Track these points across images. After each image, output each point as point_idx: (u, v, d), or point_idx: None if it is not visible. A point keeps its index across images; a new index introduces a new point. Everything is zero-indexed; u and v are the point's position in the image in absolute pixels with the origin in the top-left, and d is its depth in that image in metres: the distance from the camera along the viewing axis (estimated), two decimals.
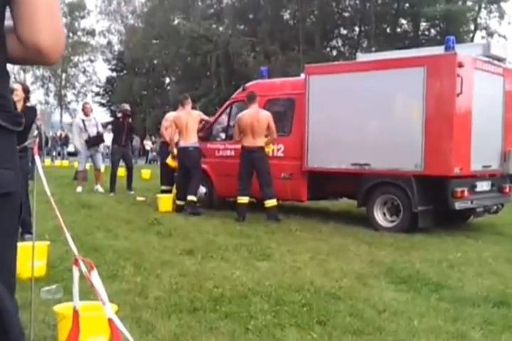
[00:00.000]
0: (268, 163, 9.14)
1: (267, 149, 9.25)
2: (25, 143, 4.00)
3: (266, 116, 9.12)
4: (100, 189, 13.43)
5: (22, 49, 1.39)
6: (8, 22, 1.40)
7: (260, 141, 9.09)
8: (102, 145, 14.05)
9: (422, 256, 6.54)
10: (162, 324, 3.88)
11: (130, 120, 13.97)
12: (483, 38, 32.67)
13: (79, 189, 13.14)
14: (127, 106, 14.03)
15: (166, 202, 10.11)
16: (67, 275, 4.59)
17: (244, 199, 9.17)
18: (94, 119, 13.24)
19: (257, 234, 7.81)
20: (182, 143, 9.85)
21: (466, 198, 8.13)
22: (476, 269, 5.88)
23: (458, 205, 8.06)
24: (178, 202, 9.94)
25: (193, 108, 11.14)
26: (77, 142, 13.43)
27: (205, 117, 10.65)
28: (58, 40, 1.41)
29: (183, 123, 9.82)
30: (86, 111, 13.31)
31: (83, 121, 13.07)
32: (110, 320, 2.32)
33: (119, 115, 14.10)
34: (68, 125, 17.92)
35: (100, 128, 13.19)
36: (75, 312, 2.80)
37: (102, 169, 14.08)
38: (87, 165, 14.49)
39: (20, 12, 1.37)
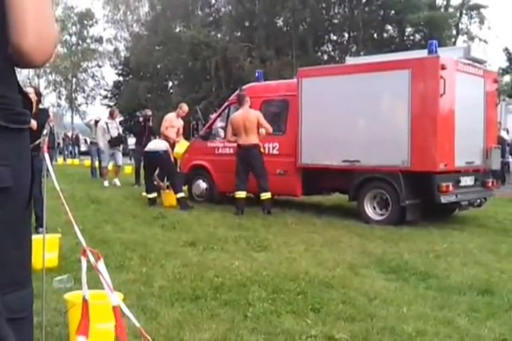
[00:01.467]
0: (262, 159, 9.11)
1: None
2: (37, 142, 3.96)
3: (255, 115, 9.13)
4: (118, 183, 14.05)
5: (10, 50, 1.33)
6: None
7: (253, 139, 9.06)
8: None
9: (410, 247, 6.50)
10: (166, 311, 3.85)
11: (150, 124, 14.35)
12: (464, 42, 32.67)
13: (105, 183, 13.74)
14: (149, 112, 14.84)
15: (170, 197, 10.06)
16: (77, 265, 4.53)
17: (241, 194, 9.14)
18: (116, 123, 14.06)
19: (255, 226, 7.77)
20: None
21: (451, 192, 8.09)
22: (461, 259, 5.84)
23: (443, 199, 8.02)
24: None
25: (195, 110, 11.16)
26: (100, 142, 14.06)
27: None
28: (44, 44, 1.34)
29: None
30: (114, 115, 14.28)
31: (107, 123, 13.89)
32: (115, 308, 2.27)
33: (141, 119, 14.75)
34: (86, 125, 18.11)
35: (121, 131, 13.92)
36: (85, 301, 2.75)
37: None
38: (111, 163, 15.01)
39: (8, 14, 1.30)
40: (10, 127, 1.35)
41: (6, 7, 1.30)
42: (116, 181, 14.07)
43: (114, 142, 13.88)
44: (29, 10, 1.30)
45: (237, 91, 10.60)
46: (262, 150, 9.19)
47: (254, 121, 9.04)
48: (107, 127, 13.78)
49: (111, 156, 14.16)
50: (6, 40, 1.32)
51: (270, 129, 9.12)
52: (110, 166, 14.81)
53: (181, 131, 11.39)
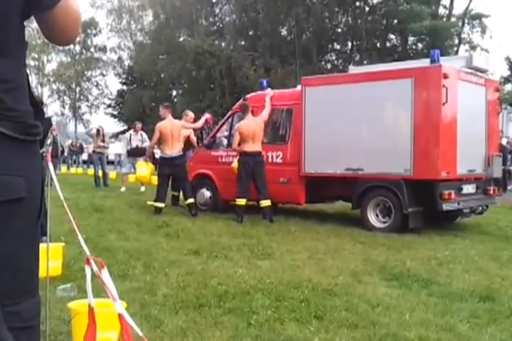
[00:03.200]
0: (265, 167, 9.21)
1: None
2: (40, 151, 4.00)
3: (262, 120, 9.44)
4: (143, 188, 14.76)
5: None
6: None
7: (259, 146, 9.20)
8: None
9: (412, 254, 6.52)
10: (170, 319, 3.87)
11: None
12: (466, 51, 32.65)
13: (122, 189, 14.57)
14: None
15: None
16: (80, 274, 4.58)
17: (242, 201, 9.19)
18: (140, 135, 14.92)
19: (259, 234, 7.80)
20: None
21: (453, 200, 8.12)
22: (463, 266, 5.86)
23: (445, 207, 8.05)
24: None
25: (198, 117, 11.22)
26: (122, 151, 15.73)
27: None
28: (74, 35, 1.53)
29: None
30: (136, 129, 15.05)
31: (130, 135, 15.06)
32: (120, 316, 2.30)
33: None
34: (87, 134, 19.01)
35: (145, 144, 14.42)
36: (91, 309, 2.78)
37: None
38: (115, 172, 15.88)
39: (46, 29, 1.47)
40: (24, 139, 1.39)
41: (41, 24, 1.45)
42: (142, 188, 14.76)
43: (132, 153, 14.72)
44: (64, 22, 1.45)
45: (241, 100, 10.65)
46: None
47: (262, 127, 9.29)
48: (130, 138, 14.89)
49: (130, 164, 15.08)
50: (17, 56, 1.39)
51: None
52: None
53: (193, 138, 11.31)
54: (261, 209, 9.20)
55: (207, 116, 11.10)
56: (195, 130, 11.29)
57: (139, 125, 15.21)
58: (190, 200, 9.87)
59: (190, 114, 11.46)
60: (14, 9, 1.35)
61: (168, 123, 9.94)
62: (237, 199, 9.24)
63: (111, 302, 2.49)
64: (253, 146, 9.17)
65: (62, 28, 1.45)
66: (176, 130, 9.96)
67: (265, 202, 9.13)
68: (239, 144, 9.27)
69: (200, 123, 10.91)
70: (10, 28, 1.36)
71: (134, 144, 14.71)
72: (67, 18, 1.44)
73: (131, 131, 15.35)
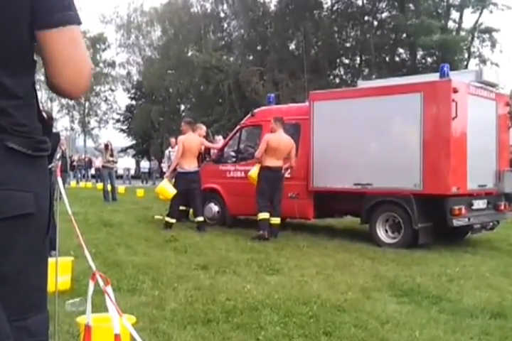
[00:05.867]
0: (284, 183, 9.18)
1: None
2: (49, 166, 4.05)
3: (292, 144, 9.20)
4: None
5: (50, 86, 1.45)
6: None
7: (280, 162, 9.13)
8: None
9: (422, 270, 6.50)
10: (178, 334, 3.88)
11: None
12: (476, 65, 32.73)
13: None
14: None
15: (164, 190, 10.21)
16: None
17: (265, 215, 9.06)
18: None
19: (267, 249, 7.80)
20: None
21: (463, 216, 8.09)
22: (473, 283, 5.83)
23: (456, 222, 8.02)
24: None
25: (207, 133, 11.28)
26: (165, 168, 15.73)
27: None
28: (79, 82, 1.45)
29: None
30: (172, 145, 15.05)
31: (169, 152, 15.13)
32: (116, 336, 2.27)
33: None
34: (96, 149, 19.15)
35: None
36: (87, 327, 2.78)
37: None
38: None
39: (45, 55, 1.40)
40: (33, 155, 1.42)
41: (42, 49, 1.40)
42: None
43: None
44: (62, 54, 1.40)
45: (249, 115, 10.71)
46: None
47: (290, 148, 9.15)
48: (169, 155, 14.98)
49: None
50: (26, 74, 1.42)
51: (294, 163, 9.27)
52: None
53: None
54: (270, 226, 9.12)
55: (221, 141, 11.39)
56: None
57: (172, 140, 15.04)
58: (200, 218, 9.90)
59: (204, 128, 11.51)
60: (23, 26, 1.37)
61: (189, 139, 10.05)
62: (259, 214, 9.07)
63: (113, 320, 2.47)
64: (276, 162, 9.08)
65: (63, 62, 1.40)
66: (195, 145, 10.09)
67: (276, 220, 9.09)
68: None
69: (219, 145, 11.09)
70: (19, 46, 1.39)
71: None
72: (69, 50, 1.40)
73: (170, 148, 15.26)
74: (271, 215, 9.12)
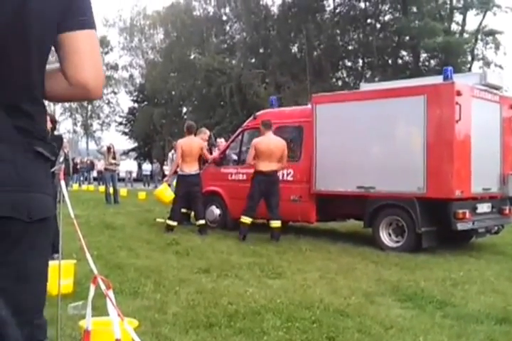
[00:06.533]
0: (279, 187, 9.13)
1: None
2: (52, 169, 4.04)
3: (283, 145, 9.15)
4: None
5: (70, 88, 1.48)
6: (54, 64, 1.49)
7: (274, 165, 9.10)
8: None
9: (426, 274, 6.46)
10: (180, 339, 3.87)
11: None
12: (480, 67, 32.67)
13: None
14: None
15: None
16: None
17: (247, 220, 9.14)
18: None
19: (269, 253, 7.78)
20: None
21: (467, 219, 8.06)
22: (478, 287, 5.80)
23: (460, 226, 7.99)
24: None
25: (209, 136, 11.27)
26: (167, 170, 16.50)
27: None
28: (100, 76, 1.52)
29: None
30: (175, 148, 14.87)
31: (173, 154, 14.90)
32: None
33: None
34: (98, 152, 19.28)
35: None
36: (86, 332, 2.77)
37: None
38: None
39: (66, 54, 1.46)
40: (51, 159, 1.47)
41: (65, 50, 1.46)
42: None
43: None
44: (84, 48, 1.47)
45: (251, 118, 10.70)
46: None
47: (281, 150, 9.10)
48: (173, 158, 14.86)
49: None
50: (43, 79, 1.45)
51: (286, 164, 9.25)
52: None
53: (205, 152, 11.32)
54: (270, 229, 9.14)
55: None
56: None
57: (175, 143, 15.05)
58: (202, 222, 9.89)
59: (207, 133, 11.45)
60: (54, 28, 1.42)
61: (188, 142, 10.04)
62: (242, 216, 9.18)
63: (120, 321, 2.47)
64: (269, 165, 9.05)
65: (88, 59, 1.47)
66: (195, 148, 10.06)
67: (276, 223, 9.06)
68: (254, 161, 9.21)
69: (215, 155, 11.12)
70: (49, 49, 1.45)
71: None
72: (94, 51, 1.48)
73: (173, 151, 15.05)
74: (271, 219, 9.09)
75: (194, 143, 10.14)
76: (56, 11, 1.41)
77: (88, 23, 1.49)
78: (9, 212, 1.31)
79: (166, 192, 10.21)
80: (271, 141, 9.14)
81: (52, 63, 1.49)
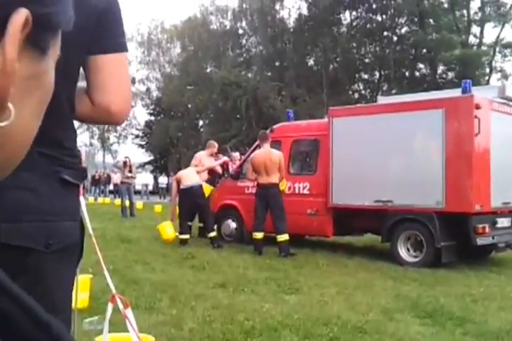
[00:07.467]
0: (282, 199, 9.06)
1: (281, 188, 9.20)
2: None
3: (278, 156, 9.11)
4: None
5: (93, 109, 1.47)
6: (80, 83, 1.47)
7: (274, 178, 9.02)
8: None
9: (445, 290, 6.38)
10: None
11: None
12: (498, 80, 32.58)
13: None
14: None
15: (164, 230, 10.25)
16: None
17: (259, 235, 9.09)
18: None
19: (286, 268, 7.73)
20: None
21: (487, 234, 7.96)
22: (498, 303, 5.70)
23: (479, 241, 7.89)
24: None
25: (224, 149, 11.28)
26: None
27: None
28: (127, 104, 1.51)
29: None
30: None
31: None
32: None
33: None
34: (115, 166, 19.09)
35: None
36: None
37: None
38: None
39: (96, 77, 1.45)
40: (79, 184, 1.46)
41: (92, 72, 1.45)
42: None
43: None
44: (116, 74, 1.46)
45: (267, 131, 10.70)
46: (283, 190, 9.21)
47: (276, 162, 9.01)
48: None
49: None
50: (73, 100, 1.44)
51: (284, 175, 9.17)
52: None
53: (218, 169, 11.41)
54: (277, 244, 9.00)
55: (225, 159, 11.35)
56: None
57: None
58: (212, 234, 9.91)
59: (216, 145, 11.43)
60: (84, 52, 1.41)
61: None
62: (253, 233, 9.17)
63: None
64: (267, 178, 8.99)
65: (118, 83, 1.45)
66: (193, 161, 10.60)
67: (282, 237, 8.91)
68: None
69: (215, 164, 11.27)
70: (78, 74, 1.44)
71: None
72: (123, 74, 1.47)
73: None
74: (276, 233, 8.96)
75: (196, 156, 10.73)
76: (88, 34, 1.39)
77: (124, 45, 1.49)
78: (25, 242, 1.26)
79: (167, 229, 10.27)
80: (265, 154, 9.12)
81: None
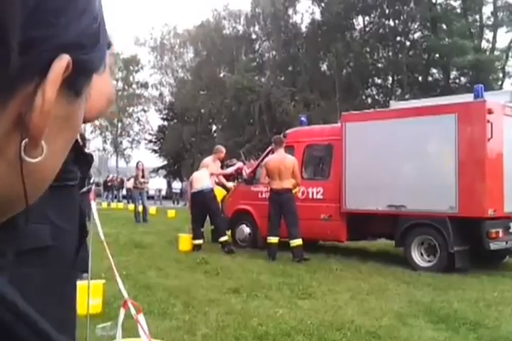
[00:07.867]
0: (295, 204, 9.04)
1: (294, 191, 9.18)
2: (83, 190, 4.10)
3: (292, 161, 9.08)
4: None
5: None
6: None
7: (287, 183, 9.00)
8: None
9: (459, 295, 6.35)
10: None
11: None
12: (511, 84, 32.42)
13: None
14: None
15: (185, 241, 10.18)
16: None
17: (273, 239, 9.08)
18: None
19: (299, 273, 7.73)
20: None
21: (500, 239, 7.92)
22: None
23: (493, 246, 7.85)
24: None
25: (238, 154, 11.31)
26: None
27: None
28: (99, 115, 1.46)
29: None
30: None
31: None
32: None
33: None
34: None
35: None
36: None
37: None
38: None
39: None
40: (54, 185, 1.39)
41: None
42: None
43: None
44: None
45: (281, 135, 10.71)
46: (297, 195, 9.21)
47: (290, 167, 8.99)
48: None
49: None
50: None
51: (299, 181, 9.14)
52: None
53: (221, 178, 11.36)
54: (291, 249, 8.99)
55: (239, 165, 11.33)
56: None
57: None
58: (223, 238, 9.92)
59: (223, 150, 11.19)
60: None
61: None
62: (268, 238, 9.16)
63: None
64: (280, 183, 8.97)
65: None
66: (203, 165, 10.59)
67: (296, 242, 8.89)
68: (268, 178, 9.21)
69: (228, 171, 11.30)
70: None
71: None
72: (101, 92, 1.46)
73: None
74: (290, 238, 8.92)
75: (203, 162, 10.86)
76: None
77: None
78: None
79: (187, 241, 10.24)
80: (279, 159, 9.09)
81: None
